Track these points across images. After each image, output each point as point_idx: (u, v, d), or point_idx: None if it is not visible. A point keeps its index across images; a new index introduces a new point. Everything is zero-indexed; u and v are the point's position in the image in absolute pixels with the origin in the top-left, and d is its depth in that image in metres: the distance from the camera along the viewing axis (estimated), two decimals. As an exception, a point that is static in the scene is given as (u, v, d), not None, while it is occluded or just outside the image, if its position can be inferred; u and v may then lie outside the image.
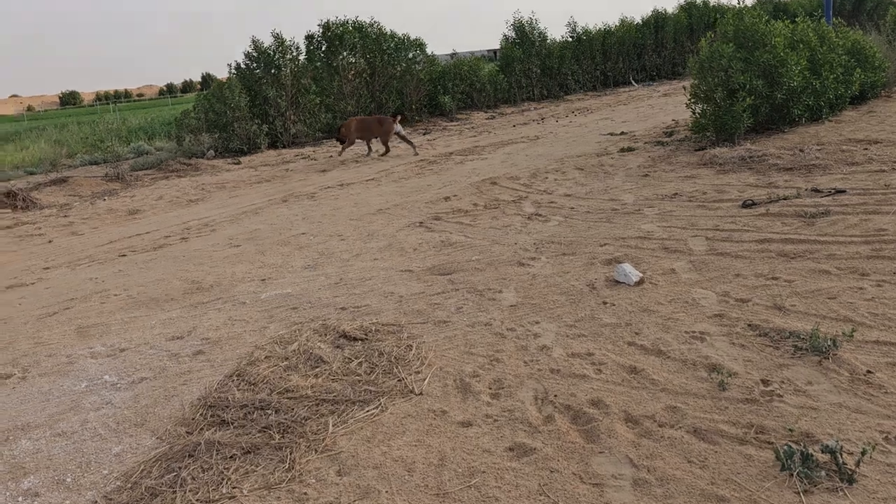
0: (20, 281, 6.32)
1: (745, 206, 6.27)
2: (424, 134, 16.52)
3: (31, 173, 14.89)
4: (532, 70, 23.62)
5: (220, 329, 4.54)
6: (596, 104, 20.86)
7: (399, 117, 13.06)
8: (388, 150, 12.88)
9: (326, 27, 17.23)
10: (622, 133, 12.56)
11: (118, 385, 3.78)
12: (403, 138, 13.10)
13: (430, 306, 4.57)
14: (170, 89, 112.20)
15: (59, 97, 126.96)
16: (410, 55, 19.14)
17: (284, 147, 15.52)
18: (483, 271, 5.24)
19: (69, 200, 11.11)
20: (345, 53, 17.44)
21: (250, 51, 15.62)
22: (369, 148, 13.13)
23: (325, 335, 4.13)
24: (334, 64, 17.07)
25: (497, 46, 25.64)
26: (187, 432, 3.08)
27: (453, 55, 23.12)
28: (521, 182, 8.84)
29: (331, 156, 13.63)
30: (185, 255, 6.70)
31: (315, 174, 11.48)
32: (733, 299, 4.11)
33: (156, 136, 18.11)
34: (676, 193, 7.11)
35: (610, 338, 3.75)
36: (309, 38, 17.30)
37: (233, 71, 15.66)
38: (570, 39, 25.62)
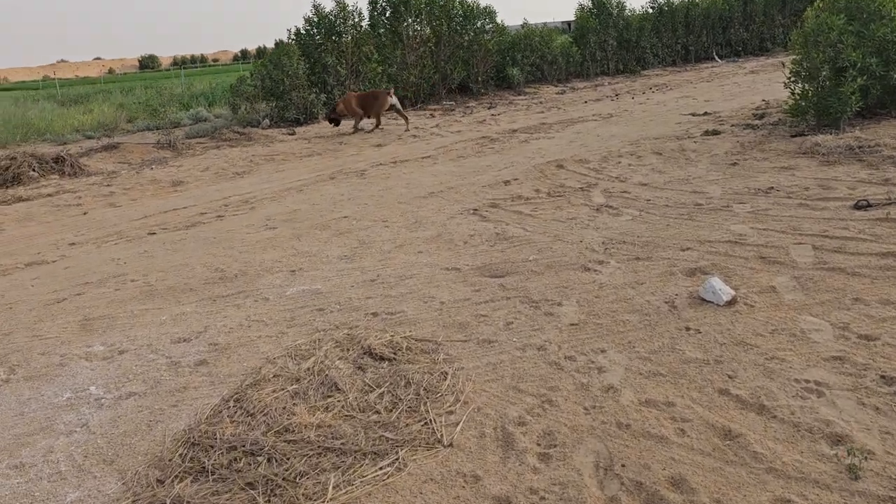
0: (41, 258, 5.94)
1: (859, 207, 5.31)
2: (489, 108, 15.69)
3: (89, 137, 14.81)
4: (608, 42, 22.35)
5: (232, 332, 3.97)
6: (676, 80, 19.51)
7: (393, 89, 13.15)
8: (379, 124, 12.91)
9: (392, -8, 16.51)
10: (705, 113, 11.46)
11: (102, 401, 3.25)
12: (399, 112, 12.90)
13: (475, 318, 3.88)
14: (243, 55, 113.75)
15: (139, 60, 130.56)
16: (479, 24, 18.25)
17: (342, 118, 14.97)
18: (541, 275, 4.51)
19: (117, 168, 10.84)
20: (410, 20, 16.69)
21: (311, 16, 15.05)
22: (378, 122, 13.05)
23: (348, 350, 3.50)
24: (398, 31, 16.36)
25: (572, 18, 24.41)
26: (158, 480, 2.51)
27: (524, 25, 22.04)
28: (591, 166, 8.00)
29: (381, 129, 13.00)
30: (217, 237, 6.19)
31: (369, 149, 10.87)
32: (855, 335, 3.26)
33: (216, 103, 17.86)
34: (772, 188, 6.16)
35: (695, 381, 2.99)
36: (373, 3, 16.62)
37: (292, 37, 15.15)
38: (651, 10, 24.12)
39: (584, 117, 12.66)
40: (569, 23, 38.07)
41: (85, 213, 7.70)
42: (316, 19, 15.03)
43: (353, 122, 12.88)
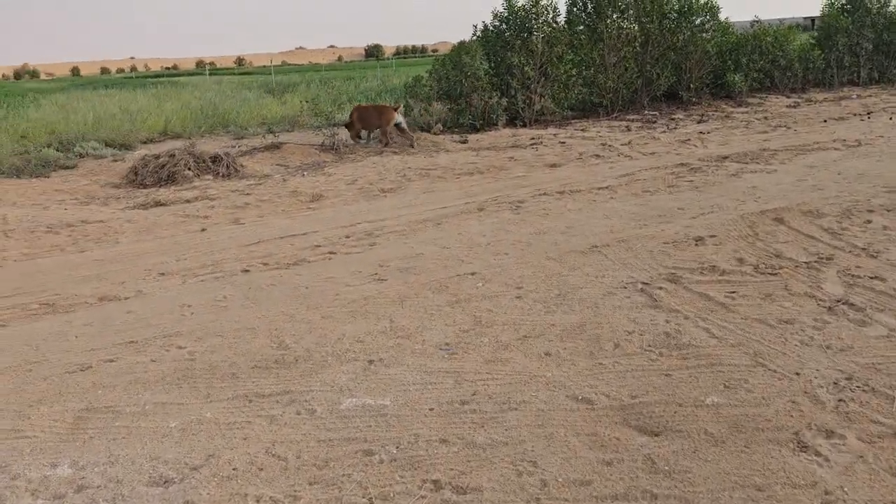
0: (118, 291, 5.23)
1: None
2: (699, 122, 13.41)
3: (271, 131, 14.84)
4: (862, 45, 18.71)
5: (230, 481, 2.77)
6: (953, 96, 15.68)
7: (401, 106, 12.53)
8: (387, 143, 11.84)
9: (597, -16, 14.74)
10: None
11: None
12: (402, 131, 11.95)
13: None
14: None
15: (365, 49, 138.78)
16: (698, 21, 15.89)
17: (524, 125, 13.56)
18: (719, 446, 2.81)
19: (273, 171, 10.38)
20: (615, 16, 14.84)
21: (501, 10, 13.80)
22: (368, 137, 12.32)
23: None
24: (598, 29, 14.58)
25: (817, 13, 20.88)
26: None
27: (754, 23, 19.08)
28: (825, 225, 5.89)
29: (562, 142, 11.38)
30: (311, 286, 5.11)
31: (540, 170, 9.37)
32: None
33: (402, 100, 17.28)
34: None
35: None
36: (573, -3, 15.00)
37: (477, 33, 14.00)
38: (925, 6, 19.88)
39: (822, 144, 10.12)
40: (812, 19, 33.35)
41: (203, 230, 7.07)
42: (506, 13, 13.73)
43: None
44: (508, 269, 5.26)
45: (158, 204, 8.39)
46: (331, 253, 5.98)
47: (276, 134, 12.32)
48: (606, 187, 7.87)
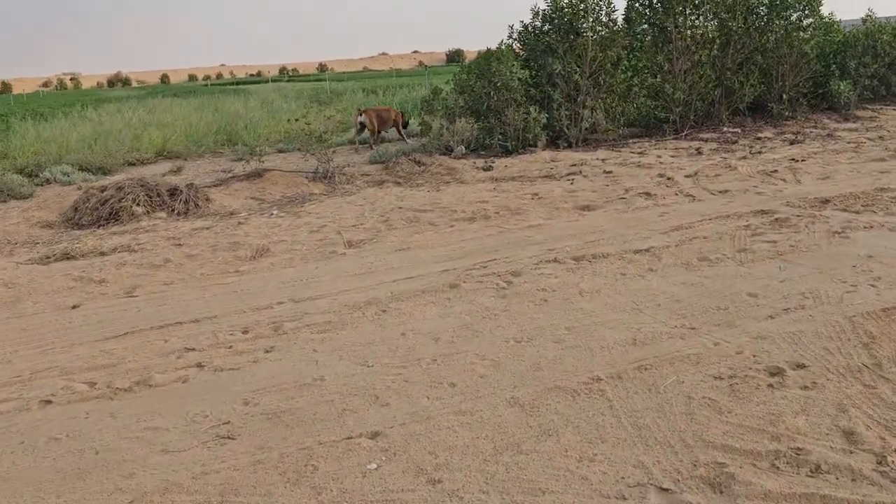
0: None
1: None
2: (791, 143, 10.81)
3: (281, 151, 13.16)
4: None
5: None
6: None
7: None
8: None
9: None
10: None
11: None
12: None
13: None
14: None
15: (446, 54, 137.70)
16: (793, 17, 13.24)
17: (569, 146, 11.31)
18: None
19: (242, 206, 8.59)
20: (687, 12, 12.41)
21: (545, 7, 11.60)
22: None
23: None
24: (667, 28, 12.19)
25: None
26: None
27: (866, 19, 16.10)
28: None
29: (608, 171, 9.08)
30: (101, 452, 3.17)
31: (565, 215, 7.18)
32: None
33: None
34: None
35: None
36: (635, -9, 12.63)
37: (512, 36, 11.84)
38: None
39: (966, 179, 7.49)
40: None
41: (75, 307, 5.27)
42: (550, 11, 11.53)
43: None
44: (438, 425, 3.18)
45: (66, 257, 6.69)
46: (199, 366, 4.04)
47: (262, 160, 10.51)
48: (647, 250, 5.62)
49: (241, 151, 12.84)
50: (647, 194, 7.63)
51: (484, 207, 7.53)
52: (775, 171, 8.57)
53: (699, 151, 10.43)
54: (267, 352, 4.18)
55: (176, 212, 8.35)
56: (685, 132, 12.22)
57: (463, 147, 10.72)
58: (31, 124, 15.65)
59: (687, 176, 8.54)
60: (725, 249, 5.54)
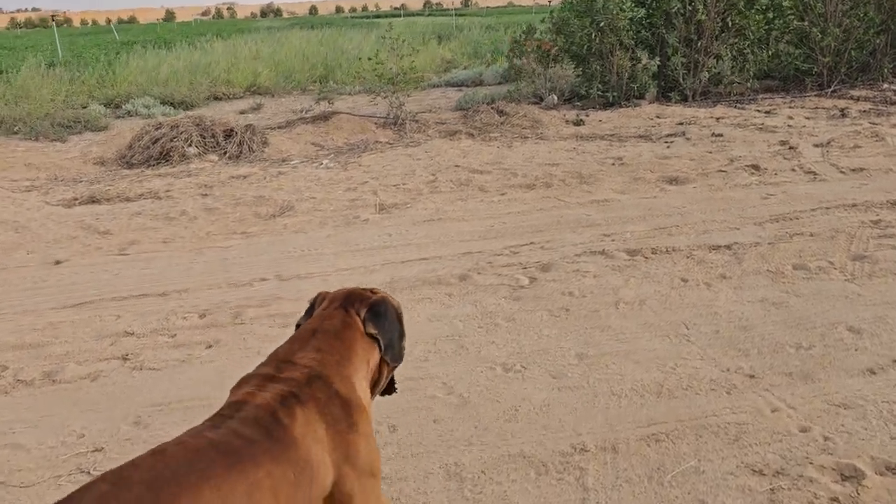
0: None
1: None
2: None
3: (370, 91, 12.43)
4: None
5: None
6: None
7: None
8: None
9: None
10: None
11: None
12: None
13: None
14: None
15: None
16: None
17: (684, 100, 9.78)
18: None
19: (299, 151, 7.96)
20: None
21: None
22: None
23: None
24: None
25: None
26: None
27: None
28: None
29: (717, 134, 7.60)
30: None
31: (643, 188, 5.97)
32: None
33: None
34: None
35: None
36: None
37: (627, -34, 10.28)
38: None
39: None
40: None
41: (57, 263, 4.81)
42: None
43: None
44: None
45: (91, 201, 6.33)
46: (123, 358, 3.40)
47: (332, 101, 9.81)
48: (728, 247, 4.40)
49: (327, 90, 12.25)
50: (755, 168, 6.21)
51: (550, 172, 6.42)
52: (935, 145, 6.81)
53: (844, 113, 8.63)
54: (208, 347, 3.49)
55: (228, 155, 7.85)
56: (832, 88, 10.27)
57: (555, 96, 9.50)
58: (141, 54, 15.78)
59: (816, 145, 6.97)
60: (835, 255, 4.22)
